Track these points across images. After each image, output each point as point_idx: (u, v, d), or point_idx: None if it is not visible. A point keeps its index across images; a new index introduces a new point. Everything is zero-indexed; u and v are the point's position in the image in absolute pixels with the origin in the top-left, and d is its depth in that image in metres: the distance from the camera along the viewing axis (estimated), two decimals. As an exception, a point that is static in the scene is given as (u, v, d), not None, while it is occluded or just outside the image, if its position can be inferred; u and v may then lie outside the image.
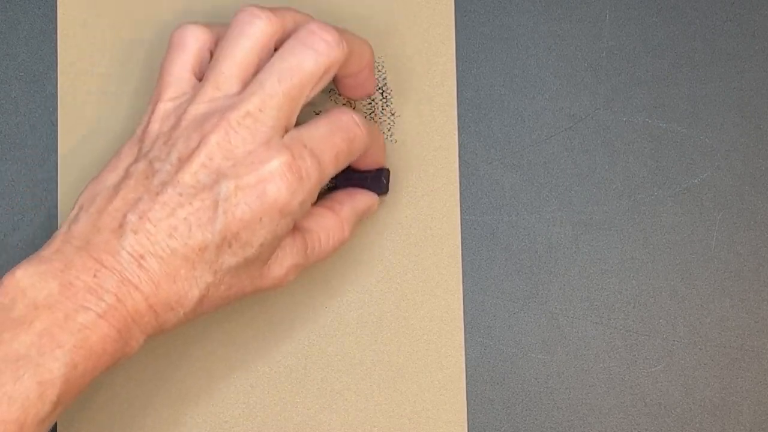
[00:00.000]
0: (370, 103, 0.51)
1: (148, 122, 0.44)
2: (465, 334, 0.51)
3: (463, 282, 0.51)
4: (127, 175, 0.43)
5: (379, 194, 0.49)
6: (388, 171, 0.50)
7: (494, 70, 0.52)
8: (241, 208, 0.41)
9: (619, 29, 0.52)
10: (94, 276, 0.41)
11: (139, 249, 0.41)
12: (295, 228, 0.46)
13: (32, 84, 0.51)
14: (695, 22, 0.52)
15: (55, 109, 0.51)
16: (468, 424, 0.50)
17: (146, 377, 0.50)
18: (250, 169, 0.42)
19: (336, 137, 0.44)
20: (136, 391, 0.50)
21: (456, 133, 0.52)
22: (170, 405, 0.50)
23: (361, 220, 0.49)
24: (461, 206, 0.51)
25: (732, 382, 0.50)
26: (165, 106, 0.44)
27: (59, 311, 0.40)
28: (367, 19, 0.51)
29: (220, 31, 0.46)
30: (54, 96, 0.51)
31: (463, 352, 0.50)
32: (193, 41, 0.45)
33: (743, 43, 0.52)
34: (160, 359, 0.50)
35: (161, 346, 0.50)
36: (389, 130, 0.51)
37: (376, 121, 0.51)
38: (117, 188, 0.43)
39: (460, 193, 0.51)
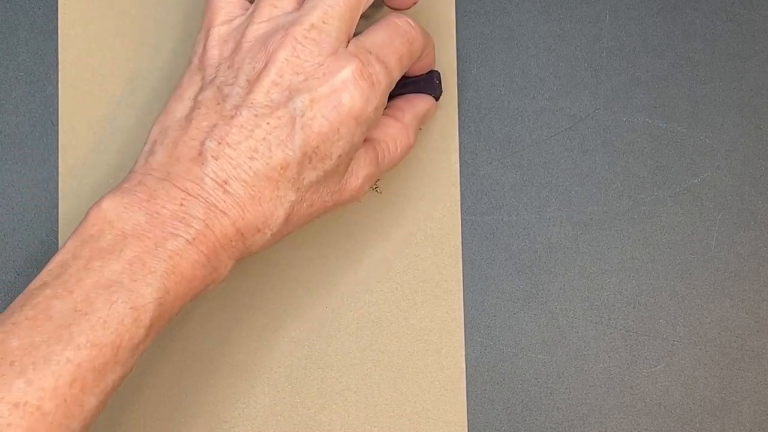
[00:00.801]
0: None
1: (205, 49, 0.44)
2: (465, 334, 0.51)
3: (463, 282, 0.51)
4: (196, 104, 0.43)
5: (434, 96, 0.49)
6: (438, 73, 0.50)
7: (494, 70, 0.52)
8: (319, 121, 0.42)
9: (619, 29, 0.52)
10: (181, 204, 0.41)
11: (222, 174, 0.41)
12: (365, 139, 0.46)
13: (32, 84, 0.52)
14: (695, 22, 0.52)
15: (55, 109, 0.51)
16: (468, 424, 0.50)
17: (146, 377, 0.50)
18: (322, 81, 0.42)
19: (396, 41, 0.44)
20: (136, 391, 0.50)
21: (456, 133, 0.52)
22: (170, 405, 0.50)
23: (423, 124, 0.49)
24: (461, 206, 0.51)
25: (732, 382, 0.50)
26: (219, 30, 0.44)
27: (148, 239, 0.40)
28: (368, 19, 0.51)
29: None
30: (54, 96, 0.51)
31: (463, 352, 0.50)
32: None
33: (743, 43, 0.52)
34: (161, 358, 0.50)
35: (161, 345, 0.50)
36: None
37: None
38: (189, 118, 0.42)
39: (460, 193, 0.51)
